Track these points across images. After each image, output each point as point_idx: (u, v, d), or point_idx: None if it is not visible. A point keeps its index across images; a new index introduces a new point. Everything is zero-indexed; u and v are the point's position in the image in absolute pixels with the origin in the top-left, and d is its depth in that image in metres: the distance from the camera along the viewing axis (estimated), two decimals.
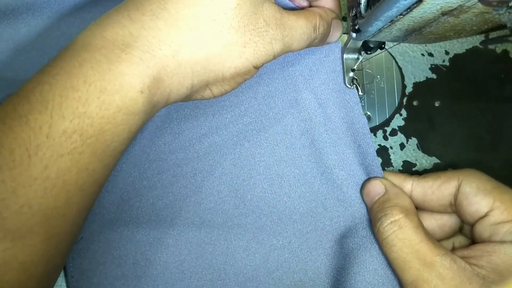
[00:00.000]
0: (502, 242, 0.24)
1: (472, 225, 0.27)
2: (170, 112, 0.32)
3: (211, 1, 0.22)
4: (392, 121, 0.35)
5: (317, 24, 0.27)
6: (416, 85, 0.35)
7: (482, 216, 0.26)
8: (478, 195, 0.26)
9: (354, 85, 0.32)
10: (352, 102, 0.32)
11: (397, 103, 0.35)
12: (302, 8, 0.29)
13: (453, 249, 0.29)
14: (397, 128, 0.35)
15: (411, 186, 0.29)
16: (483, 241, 0.26)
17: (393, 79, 0.35)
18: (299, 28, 0.26)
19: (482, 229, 0.26)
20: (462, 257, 0.25)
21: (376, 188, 0.29)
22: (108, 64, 0.20)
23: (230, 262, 0.31)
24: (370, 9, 0.25)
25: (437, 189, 0.27)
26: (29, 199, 0.19)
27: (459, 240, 0.30)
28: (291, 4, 0.29)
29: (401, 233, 0.26)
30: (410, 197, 0.29)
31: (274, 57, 0.26)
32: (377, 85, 0.35)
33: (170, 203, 0.31)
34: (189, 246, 0.31)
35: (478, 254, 0.25)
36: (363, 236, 0.30)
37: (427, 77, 0.36)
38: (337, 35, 0.30)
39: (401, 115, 0.35)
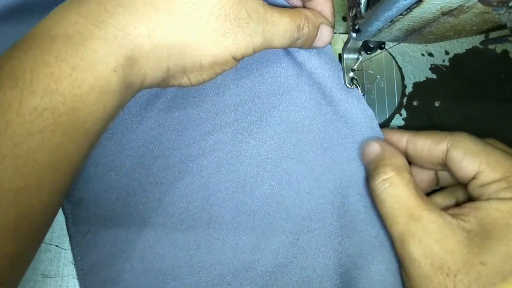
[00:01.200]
0: (488, 199, 0.25)
1: (465, 185, 0.28)
2: (171, 110, 0.32)
3: None
4: (392, 121, 0.35)
5: (302, 24, 0.27)
6: (416, 85, 0.35)
7: (470, 179, 0.27)
8: (465, 160, 0.26)
9: (354, 85, 0.32)
10: (355, 96, 0.32)
11: (397, 103, 0.35)
12: (294, 7, 0.29)
13: (449, 207, 0.30)
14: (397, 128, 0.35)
15: (406, 141, 0.30)
16: (473, 200, 0.27)
17: (393, 79, 0.35)
18: (282, 25, 0.26)
19: (472, 190, 0.27)
20: (453, 214, 0.26)
21: (372, 148, 0.30)
22: (81, 40, 0.20)
23: (240, 257, 0.31)
24: (370, 9, 0.25)
25: (427, 149, 0.28)
26: None
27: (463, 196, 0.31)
28: (283, 2, 0.29)
29: (391, 190, 0.27)
30: (405, 152, 0.30)
31: (254, 51, 0.25)
32: (377, 85, 0.35)
33: (177, 199, 0.31)
34: (198, 241, 0.31)
35: (466, 211, 0.26)
36: (373, 234, 0.30)
37: (427, 77, 0.36)
38: (325, 40, 0.29)
39: (401, 115, 0.35)
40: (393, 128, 0.32)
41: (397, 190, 0.27)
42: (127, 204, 0.31)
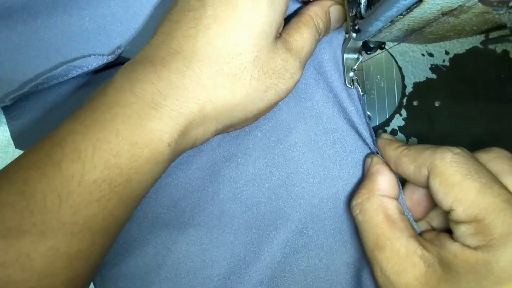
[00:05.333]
0: (455, 240, 0.24)
1: None
2: None
3: (231, 58, 0.23)
4: (392, 121, 0.35)
5: (316, 24, 0.28)
6: (416, 85, 0.35)
7: (448, 211, 0.24)
8: (439, 193, 0.24)
9: (354, 85, 0.32)
10: (355, 95, 0.32)
11: (397, 103, 0.35)
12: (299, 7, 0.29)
13: (437, 228, 0.28)
14: (397, 128, 0.35)
15: (393, 163, 0.29)
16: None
17: (393, 79, 0.35)
18: (307, 41, 0.27)
19: (449, 222, 0.25)
20: (428, 240, 0.26)
21: (366, 163, 0.31)
22: (139, 120, 0.22)
23: (250, 249, 0.31)
24: (370, 9, 0.25)
25: (412, 174, 0.26)
26: (56, 243, 0.20)
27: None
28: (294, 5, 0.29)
29: (361, 216, 0.28)
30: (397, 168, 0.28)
31: (296, 85, 0.27)
32: (377, 85, 0.35)
33: (188, 194, 0.31)
34: (210, 235, 0.31)
35: (436, 242, 0.25)
36: None
37: (427, 77, 0.36)
38: (338, 19, 0.30)
39: (401, 115, 0.35)
40: (388, 138, 0.30)
41: (366, 216, 0.27)
42: None
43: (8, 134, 0.32)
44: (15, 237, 0.19)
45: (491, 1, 0.17)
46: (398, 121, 0.35)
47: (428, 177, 0.25)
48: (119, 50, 0.30)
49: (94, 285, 0.31)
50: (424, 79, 0.35)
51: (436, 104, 0.35)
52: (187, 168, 0.32)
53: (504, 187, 0.23)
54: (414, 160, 0.26)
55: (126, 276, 0.30)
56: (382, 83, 0.35)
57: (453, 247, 0.23)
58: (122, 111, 0.22)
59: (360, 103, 0.32)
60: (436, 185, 0.24)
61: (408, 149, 0.27)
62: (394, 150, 0.28)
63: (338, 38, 0.32)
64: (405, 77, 0.35)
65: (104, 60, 0.30)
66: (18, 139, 0.32)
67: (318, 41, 0.28)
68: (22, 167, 0.21)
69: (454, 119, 0.35)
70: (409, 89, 0.35)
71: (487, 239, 0.22)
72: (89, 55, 0.30)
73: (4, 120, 0.32)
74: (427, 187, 0.25)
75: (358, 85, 0.32)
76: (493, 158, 0.25)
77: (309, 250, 0.31)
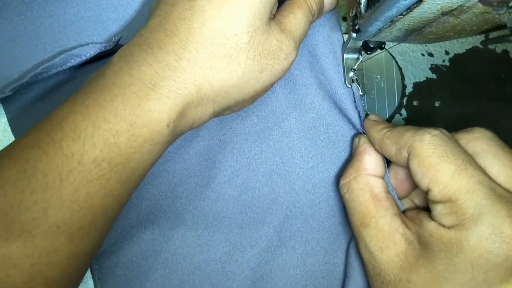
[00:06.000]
0: (432, 219, 0.24)
1: None
2: None
3: (227, 39, 0.24)
4: (392, 121, 0.35)
5: (310, 6, 0.28)
6: (416, 85, 0.35)
7: (426, 191, 0.25)
8: (418, 174, 0.25)
9: (354, 85, 0.32)
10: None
11: (397, 103, 0.35)
12: None
13: (420, 206, 0.29)
14: None
15: (377, 145, 0.29)
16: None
17: (393, 79, 0.35)
18: (301, 22, 0.27)
19: (428, 201, 0.25)
20: (410, 218, 0.26)
21: (354, 143, 0.31)
22: (138, 101, 0.22)
23: (246, 233, 0.31)
24: (370, 9, 0.25)
25: (394, 156, 0.27)
26: (57, 220, 0.20)
27: None
28: None
29: (348, 195, 0.28)
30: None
31: (291, 65, 0.27)
32: (377, 85, 0.35)
33: (184, 179, 0.32)
34: (206, 220, 0.31)
35: (416, 221, 0.26)
36: None
37: (427, 77, 0.36)
38: (331, 4, 0.30)
39: (401, 115, 0.35)
40: (374, 119, 0.31)
41: (352, 195, 0.28)
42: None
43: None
44: (17, 214, 0.20)
45: (491, 1, 0.17)
46: (398, 121, 0.35)
47: (408, 159, 0.25)
48: (116, 37, 0.30)
49: (92, 273, 0.31)
50: (424, 79, 0.35)
51: (436, 104, 0.35)
52: (184, 154, 0.32)
53: (479, 168, 0.24)
54: (396, 142, 0.27)
55: (124, 264, 0.30)
56: (382, 83, 0.35)
57: (429, 226, 0.24)
58: (121, 92, 0.22)
59: (352, 87, 0.32)
60: (415, 167, 0.25)
61: (391, 131, 0.28)
62: (378, 132, 0.29)
63: (332, 20, 0.32)
64: (405, 77, 0.35)
65: (102, 48, 0.30)
66: (18, 133, 0.32)
67: (311, 22, 0.29)
68: (24, 146, 0.21)
69: (454, 119, 0.35)
70: (409, 89, 0.35)
71: (460, 219, 0.23)
72: (87, 44, 0.30)
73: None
74: (408, 168, 0.26)
75: (358, 85, 0.32)
76: (474, 139, 0.26)
77: (306, 234, 0.31)
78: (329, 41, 0.32)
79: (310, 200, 0.32)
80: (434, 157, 0.24)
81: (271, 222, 0.31)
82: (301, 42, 0.28)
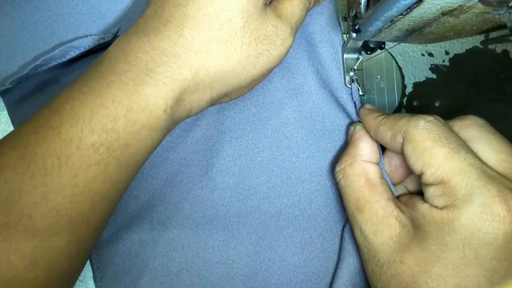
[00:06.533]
0: (424, 201, 0.25)
1: None
2: None
3: (222, 24, 0.24)
4: None
5: None
6: (416, 85, 0.35)
7: (419, 175, 0.25)
8: (412, 158, 0.25)
9: (354, 85, 0.32)
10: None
11: (397, 103, 0.35)
12: None
13: (412, 192, 0.29)
14: None
15: (373, 132, 0.29)
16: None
17: (393, 79, 0.35)
18: (297, 8, 0.27)
19: (421, 185, 0.26)
20: (404, 202, 0.27)
21: (349, 131, 0.32)
22: (134, 87, 0.22)
23: (243, 222, 0.32)
24: (370, 9, 0.25)
25: (389, 142, 0.27)
26: (57, 204, 0.21)
27: None
28: None
29: (343, 180, 0.29)
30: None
31: (288, 51, 0.27)
32: (377, 85, 0.35)
33: (183, 168, 0.32)
34: (203, 208, 0.32)
35: (409, 204, 0.26)
36: None
37: (427, 77, 0.36)
38: None
39: None
40: (369, 108, 0.31)
41: (348, 181, 0.29)
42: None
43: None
44: (17, 198, 0.20)
45: (491, 1, 0.17)
46: None
47: (402, 144, 0.26)
48: (115, 29, 0.31)
49: (91, 263, 0.31)
50: (424, 79, 0.35)
51: (436, 104, 0.35)
52: (183, 143, 0.32)
53: (471, 152, 0.24)
54: (391, 128, 0.27)
55: (122, 253, 0.31)
56: (382, 83, 0.35)
57: (422, 208, 0.24)
58: (118, 78, 0.22)
59: (343, 72, 0.32)
60: (409, 151, 0.25)
61: (386, 118, 0.28)
62: (373, 120, 0.29)
63: (329, 7, 0.32)
64: (405, 77, 0.35)
65: (101, 39, 0.30)
66: (19, 124, 0.32)
67: (308, 10, 0.29)
68: (23, 133, 0.21)
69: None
70: (409, 89, 0.35)
71: (452, 200, 0.23)
72: (86, 36, 0.31)
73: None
74: (402, 153, 0.26)
75: (358, 85, 0.32)
76: (466, 125, 0.27)
77: (304, 222, 0.32)
78: (327, 29, 0.32)
79: (307, 189, 0.32)
80: (428, 141, 0.24)
81: (268, 210, 0.32)
82: (298, 29, 0.28)
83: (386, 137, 0.27)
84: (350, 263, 0.30)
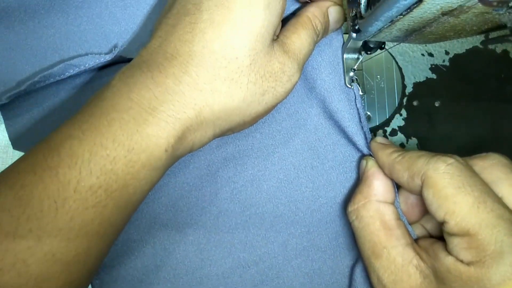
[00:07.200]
0: (449, 253, 0.23)
1: None
2: None
3: (228, 62, 0.23)
4: (392, 121, 0.35)
5: (314, 25, 0.27)
6: (416, 85, 0.35)
7: (441, 222, 0.24)
8: (433, 204, 0.24)
9: (353, 85, 0.32)
10: (352, 96, 0.32)
11: (397, 103, 0.35)
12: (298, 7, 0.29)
13: (432, 234, 0.28)
14: (397, 128, 0.35)
15: (388, 170, 0.28)
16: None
17: (393, 79, 0.35)
18: (305, 43, 0.27)
19: (443, 233, 0.25)
20: (423, 248, 0.25)
21: (360, 166, 0.30)
22: (136, 126, 0.22)
23: (249, 250, 0.31)
24: (370, 9, 0.25)
25: (406, 182, 0.26)
26: (52, 248, 0.20)
27: None
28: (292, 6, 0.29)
29: (357, 222, 0.28)
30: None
31: (294, 87, 0.27)
32: (377, 85, 0.35)
33: (185, 193, 0.31)
34: (208, 235, 0.31)
35: (431, 253, 0.25)
36: None
37: (427, 77, 0.36)
38: (337, 20, 0.29)
39: (401, 115, 0.35)
40: (381, 142, 0.30)
41: (362, 223, 0.27)
42: None
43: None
44: (12, 242, 0.19)
45: (491, 1, 0.17)
46: (398, 121, 0.35)
47: (421, 187, 0.25)
48: (116, 49, 0.30)
49: None
50: (424, 79, 0.35)
51: (436, 104, 0.35)
52: (185, 168, 0.32)
53: (498, 201, 0.23)
54: (408, 168, 0.25)
55: (124, 278, 0.30)
56: (382, 83, 0.35)
57: (447, 261, 0.23)
58: (120, 116, 0.22)
59: (357, 104, 0.31)
60: (430, 197, 0.24)
61: (402, 155, 0.27)
62: (387, 156, 0.28)
63: (337, 39, 0.32)
64: (405, 77, 0.35)
65: (102, 59, 0.30)
66: (16, 140, 0.31)
67: (316, 42, 0.28)
68: (20, 171, 0.21)
69: (454, 119, 0.35)
70: (409, 89, 0.35)
71: (480, 256, 0.22)
72: (86, 54, 0.30)
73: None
74: (421, 195, 0.25)
75: (358, 85, 0.32)
76: (489, 166, 0.25)
77: (313, 253, 0.31)
78: (334, 59, 0.31)
79: (316, 219, 0.31)
80: (450, 188, 0.23)
81: (275, 239, 0.31)
82: (305, 63, 0.27)
83: (403, 178, 0.26)
84: None
